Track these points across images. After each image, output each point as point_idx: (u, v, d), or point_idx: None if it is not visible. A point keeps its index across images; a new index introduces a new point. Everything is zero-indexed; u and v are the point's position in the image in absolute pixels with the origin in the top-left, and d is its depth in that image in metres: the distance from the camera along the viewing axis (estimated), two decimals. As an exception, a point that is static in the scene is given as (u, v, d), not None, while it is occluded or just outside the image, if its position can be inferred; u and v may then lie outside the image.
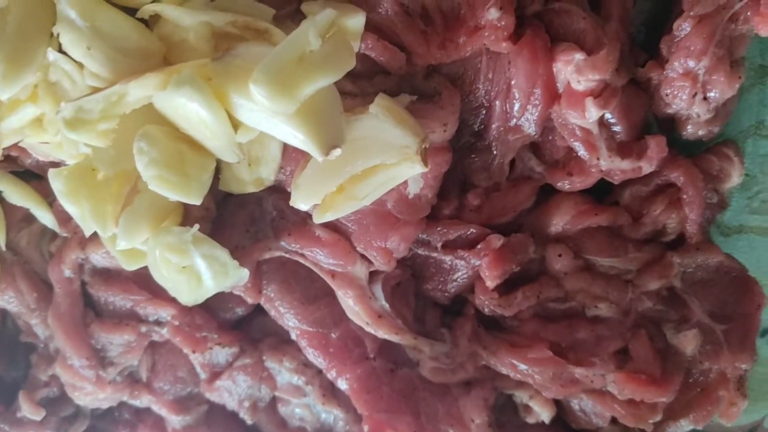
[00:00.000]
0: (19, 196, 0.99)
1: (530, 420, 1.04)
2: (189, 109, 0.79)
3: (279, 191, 0.97)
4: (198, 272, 0.91)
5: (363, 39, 0.86)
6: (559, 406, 1.03)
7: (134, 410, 1.13)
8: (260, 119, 0.80)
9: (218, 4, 0.83)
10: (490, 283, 0.95)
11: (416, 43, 0.87)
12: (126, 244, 0.87)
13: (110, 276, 1.02)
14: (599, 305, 0.96)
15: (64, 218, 0.99)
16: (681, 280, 0.97)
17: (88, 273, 1.02)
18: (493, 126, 0.93)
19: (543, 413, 1.03)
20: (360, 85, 0.89)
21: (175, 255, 0.89)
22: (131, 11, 0.84)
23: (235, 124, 0.83)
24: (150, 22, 0.84)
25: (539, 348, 0.95)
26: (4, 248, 1.01)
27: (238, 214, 0.99)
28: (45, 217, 1.00)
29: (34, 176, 1.01)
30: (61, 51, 0.83)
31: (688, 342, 0.95)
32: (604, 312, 0.96)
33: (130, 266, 0.93)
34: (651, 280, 0.96)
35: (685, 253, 0.96)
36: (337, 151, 0.81)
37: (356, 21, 0.83)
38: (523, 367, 0.96)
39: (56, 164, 0.94)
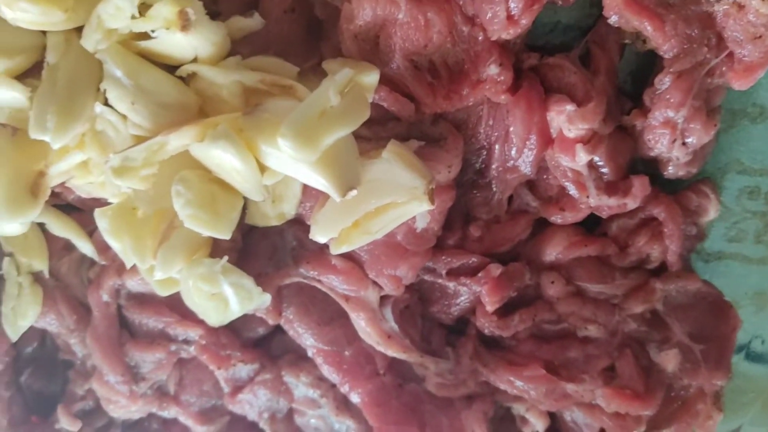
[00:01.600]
0: (61, 227, 1.07)
1: (526, 430, 1.14)
2: (223, 158, 0.88)
3: (299, 223, 1.06)
4: (226, 298, 1.00)
5: (376, 91, 0.94)
6: (553, 417, 1.13)
7: (162, 420, 1.22)
8: (285, 165, 0.90)
9: (248, 63, 0.92)
10: (490, 308, 1.04)
11: (424, 94, 0.95)
12: (162, 275, 0.96)
13: (144, 300, 1.12)
14: (589, 327, 1.06)
15: (102, 248, 1.08)
16: (663, 304, 1.06)
17: (124, 297, 1.12)
18: (493, 166, 1.02)
19: (538, 424, 1.12)
20: (374, 130, 0.98)
21: (207, 284, 0.98)
22: (169, 68, 0.93)
23: (262, 168, 0.92)
24: (186, 78, 0.94)
25: (534, 367, 1.04)
26: (47, 275, 1.10)
27: (262, 244, 1.08)
28: (85, 247, 1.09)
29: (74, 209, 1.10)
30: (106, 104, 0.92)
31: (669, 360, 1.05)
32: (593, 333, 1.06)
33: (165, 292, 1.02)
34: (636, 304, 1.06)
35: (667, 279, 1.05)
36: (354, 192, 0.90)
37: (371, 78, 0.92)
38: (519, 383, 1.05)
39: (96, 200, 1.04)
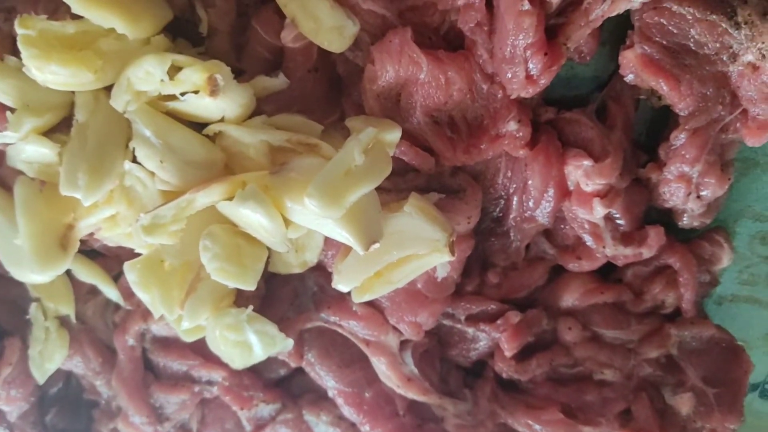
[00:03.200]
0: (87, 274, 1.09)
1: (543, 471, 1.16)
2: (251, 216, 0.90)
3: (320, 269, 1.08)
4: (250, 345, 1.02)
5: (398, 145, 0.97)
6: (570, 458, 1.15)
7: (184, 458, 1.25)
8: (310, 220, 0.92)
9: (274, 122, 0.94)
10: (508, 353, 1.06)
11: (444, 149, 0.97)
12: (190, 325, 0.99)
13: (168, 344, 1.14)
14: (605, 371, 1.08)
15: (128, 293, 1.10)
16: (677, 348, 1.08)
17: (149, 341, 1.14)
18: (511, 216, 1.04)
19: (554, 465, 1.14)
20: (394, 182, 1.00)
21: (233, 333, 1.00)
22: (196, 125, 0.95)
23: (287, 222, 0.94)
24: (212, 136, 0.96)
25: (552, 410, 1.06)
26: (74, 320, 1.13)
27: (284, 290, 1.10)
28: (111, 293, 1.11)
29: (99, 254, 1.12)
30: (134, 160, 0.94)
31: (683, 404, 1.07)
32: (610, 377, 1.08)
33: (190, 339, 1.04)
34: (651, 349, 1.08)
35: (681, 325, 1.07)
36: (376, 245, 0.92)
37: (393, 135, 0.94)
38: (537, 427, 1.07)
39: (121, 247, 1.06)
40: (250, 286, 0.96)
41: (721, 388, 1.08)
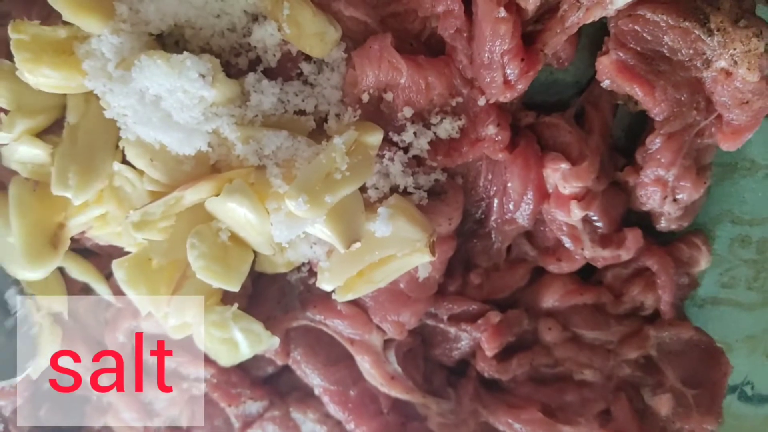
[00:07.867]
0: (79, 272, 1.12)
1: (524, 470, 1.18)
2: (237, 212, 0.93)
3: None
4: (236, 342, 1.05)
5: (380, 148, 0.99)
6: (550, 457, 1.17)
7: (175, 453, 1.27)
8: (293, 219, 0.94)
9: (266, 121, 0.96)
10: (489, 353, 1.08)
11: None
12: (176, 322, 1.01)
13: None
14: (585, 371, 1.10)
15: (119, 291, 1.13)
16: (657, 350, 1.10)
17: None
18: (492, 218, 1.06)
19: (536, 464, 1.16)
20: (377, 183, 1.03)
21: (218, 330, 1.03)
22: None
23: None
24: (200, 134, 0.98)
25: (531, 410, 1.08)
26: (66, 317, 1.15)
27: (271, 289, 1.13)
28: (102, 290, 1.13)
29: (91, 253, 1.15)
30: (123, 161, 0.97)
31: (662, 404, 1.08)
32: (589, 377, 1.10)
33: (178, 336, 1.06)
34: (630, 350, 1.09)
35: (660, 327, 1.09)
36: (357, 245, 0.95)
37: (375, 138, 0.96)
38: (517, 426, 1.09)
39: (113, 246, 1.09)
40: (234, 287, 0.98)
41: (700, 389, 1.09)
